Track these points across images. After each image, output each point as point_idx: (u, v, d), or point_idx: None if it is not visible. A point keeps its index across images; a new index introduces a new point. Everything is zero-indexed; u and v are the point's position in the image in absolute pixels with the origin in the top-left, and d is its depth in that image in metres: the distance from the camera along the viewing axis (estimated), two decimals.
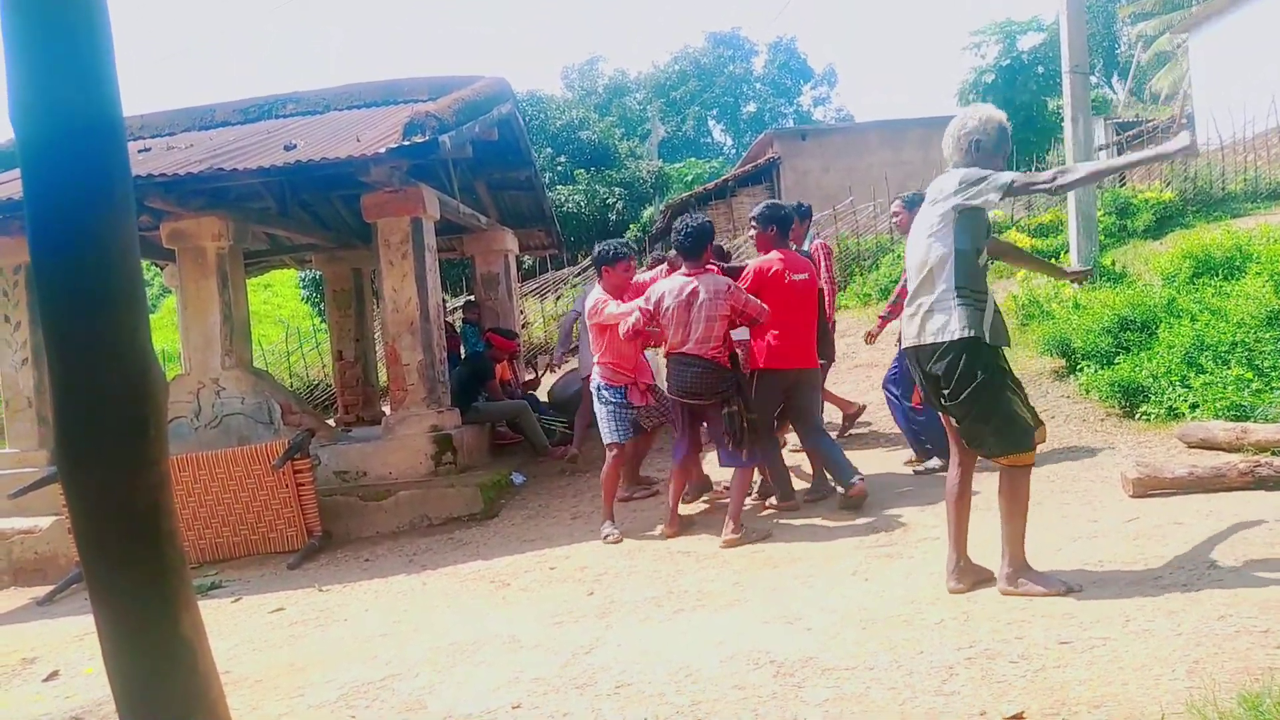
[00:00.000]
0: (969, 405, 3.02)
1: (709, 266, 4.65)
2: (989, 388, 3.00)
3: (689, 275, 4.49)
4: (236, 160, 6.24)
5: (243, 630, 4.14)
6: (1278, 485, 4.04)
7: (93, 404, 1.65)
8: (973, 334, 2.98)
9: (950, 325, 3.00)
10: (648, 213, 20.98)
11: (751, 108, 37.72)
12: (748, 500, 5.09)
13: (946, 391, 3.06)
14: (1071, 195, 8.61)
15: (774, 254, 4.85)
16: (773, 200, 5.37)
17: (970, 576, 3.24)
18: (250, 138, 7.43)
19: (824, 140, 18.16)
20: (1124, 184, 13.15)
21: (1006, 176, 2.97)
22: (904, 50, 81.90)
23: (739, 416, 4.39)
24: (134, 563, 1.68)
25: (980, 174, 3.02)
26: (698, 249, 4.49)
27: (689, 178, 22.72)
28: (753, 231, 5.07)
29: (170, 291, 13.96)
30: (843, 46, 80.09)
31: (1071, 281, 3.09)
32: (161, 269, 10.02)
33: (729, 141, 37.75)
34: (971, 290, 3.01)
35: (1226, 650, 2.41)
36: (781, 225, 4.94)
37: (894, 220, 5.77)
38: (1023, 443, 3.01)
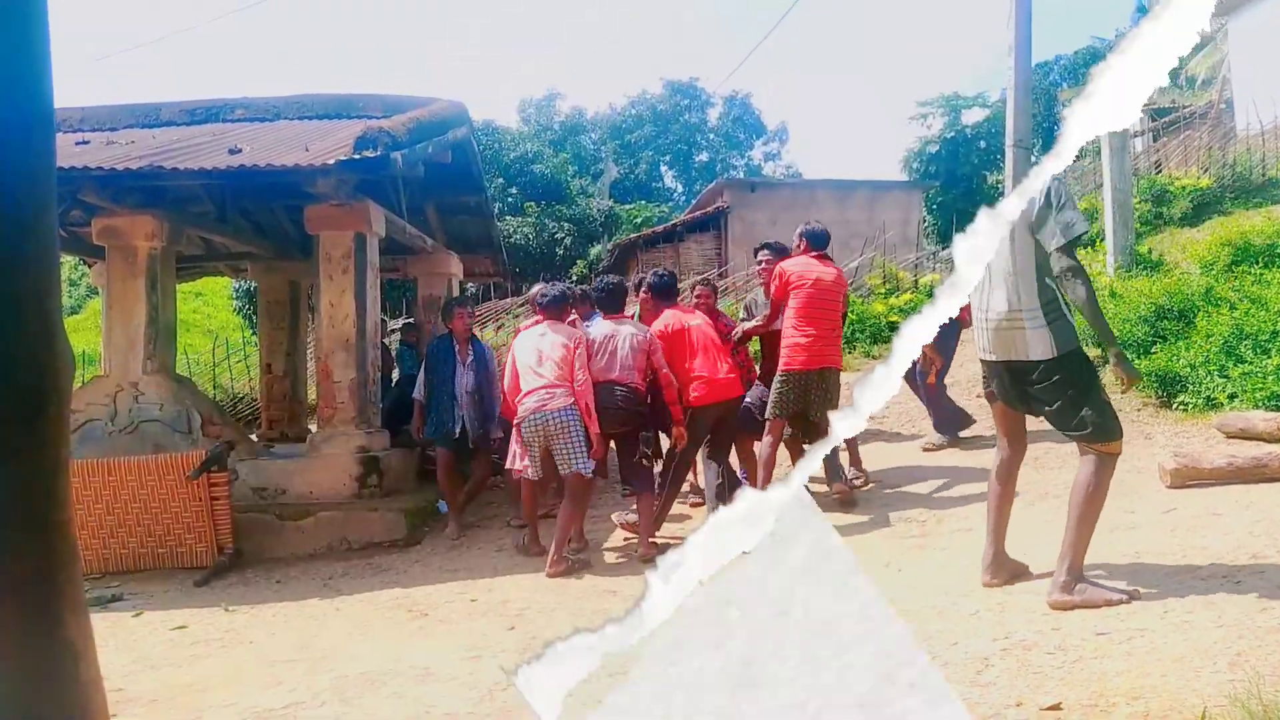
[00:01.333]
0: (1064, 391, 3.00)
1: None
2: (1088, 380, 3.03)
3: (610, 320, 5.06)
4: (178, 160, 5.98)
5: (142, 646, 3.88)
6: None
7: None
8: (1074, 347, 3.01)
9: (1051, 342, 2.99)
10: (595, 250, 20.73)
11: (704, 157, 37.32)
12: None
13: (1041, 389, 3.03)
14: (1107, 182, 8.48)
15: (668, 313, 5.19)
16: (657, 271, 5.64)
17: (1006, 570, 3.20)
18: (194, 139, 7.06)
19: (772, 193, 17.74)
20: (1160, 171, 12.90)
21: (1082, 227, 2.96)
22: (855, 114, 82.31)
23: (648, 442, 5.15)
24: (18, 553, 1.50)
25: (1073, 207, 2.99)
26: (614, 303, 5.13)
27: (638, 219, 22.13)
28: (645, 296, 5.53)
29: (97, 292, 13.23)
30: (795, 105, 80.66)
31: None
32: (90, 267, 9.50)
33: (679, 188, 37.10)
34: (1060, 300, 3.02)
35: (1270, 643, 2.37)
36: (664, 293, 5.36)
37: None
38: (1116, 429, 3.01)
